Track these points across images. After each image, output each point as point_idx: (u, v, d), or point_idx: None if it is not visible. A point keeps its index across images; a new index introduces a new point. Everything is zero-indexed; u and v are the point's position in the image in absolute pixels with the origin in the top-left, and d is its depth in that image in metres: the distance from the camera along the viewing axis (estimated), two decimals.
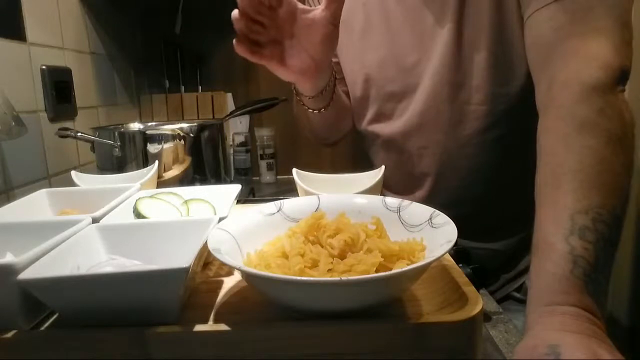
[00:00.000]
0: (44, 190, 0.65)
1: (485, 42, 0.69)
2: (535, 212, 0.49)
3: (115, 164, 0.95)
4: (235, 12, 0.64)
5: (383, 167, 0.70)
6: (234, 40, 0.65)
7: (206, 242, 0.42)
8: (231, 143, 1.47)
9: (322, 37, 0.68)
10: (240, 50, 0.65)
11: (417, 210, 0.48)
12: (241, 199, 1.01)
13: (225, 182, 1.02)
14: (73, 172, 0.75)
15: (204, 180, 0.98)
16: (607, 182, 0.47)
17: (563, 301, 0.41)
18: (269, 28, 0.66)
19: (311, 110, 0.86)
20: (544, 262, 0.44)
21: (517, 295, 0.80)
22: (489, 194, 0.77)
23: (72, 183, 0.73)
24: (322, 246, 0.44)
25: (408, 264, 0.40)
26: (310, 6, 0.83)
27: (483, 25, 0.69)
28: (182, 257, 0.38)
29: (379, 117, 0.85)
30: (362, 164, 1.11)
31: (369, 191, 0.63)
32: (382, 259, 0.40)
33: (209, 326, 0.38)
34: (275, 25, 0.67)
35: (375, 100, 0.84)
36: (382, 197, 0.52)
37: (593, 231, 0.44)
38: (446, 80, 0.73)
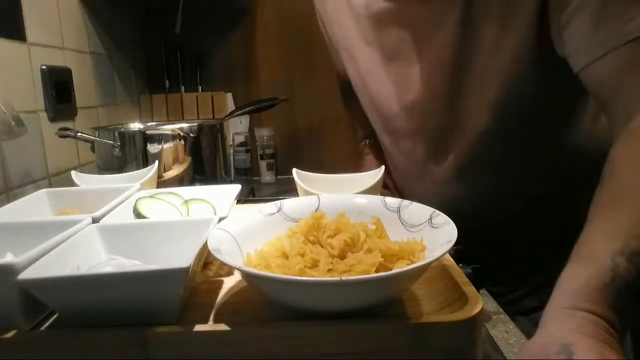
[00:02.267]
0: (44, 190, 0.65)
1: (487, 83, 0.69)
2: (586, 223, 0.48)
3: (115, 164, 0.95)
4: None
5: (383, 167, 0.70)
6: None
7: (206, 242, 0.42)
8: (231, 143, 1.47)
9: None
10: None
11: (417, 210, 0.48)
12: (241, 199, 1.01)
13: (225, 182, 1.02)
14: (73, 172, 0.75)
15: (204, 180, 0.98)
16: None
17: (586, 308, 0.40)
18: None
19: None
20: (580, 270, 0.44)
21: None
22: (508, 215, 0.77)
23: (72, 183, 0.73)
24: (322, 246, 0.44)
25: (408, 264, 0.40)
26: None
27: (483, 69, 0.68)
28: (182, 257, 0.38)
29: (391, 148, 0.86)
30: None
31: (369, 191, 0.63)
32: (382, 259, 0.40)
33: (209, 326, 0.38)
34: None
35: (382, 132, 0.86)
36: (382, 197, 0.52)
37: None
38: (442, 123, 0.74)
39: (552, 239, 0.76)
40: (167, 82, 1.52)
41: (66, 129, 0.92)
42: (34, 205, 0.62)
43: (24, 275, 0.37)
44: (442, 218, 0.45)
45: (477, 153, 0.74)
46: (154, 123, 1.14)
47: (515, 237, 0.79)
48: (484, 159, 0.74)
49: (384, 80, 0.79)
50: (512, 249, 0.80)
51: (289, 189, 1.25)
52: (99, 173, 0.96)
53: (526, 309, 0.80)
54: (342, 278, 0.35)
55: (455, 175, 0.77)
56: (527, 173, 0.74)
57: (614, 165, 0.51)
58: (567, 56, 0.60)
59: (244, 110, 1.08)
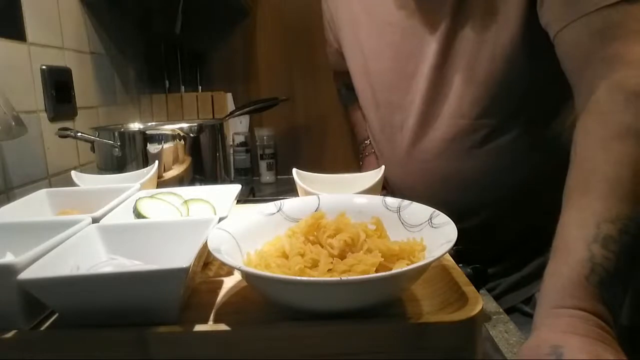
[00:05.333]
0: (44, 190, 0.65)
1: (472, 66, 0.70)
2: (561, 213, 0.48)
3: (115, 164, 0.95)
4: None
5: (383, 167, 0.70)
6: None
7: (206, 242, 0.42)
8: (231, 143, 1.47)
9: None
10: None
11: (417, 210, 0.48)
12: (241, 199, 1.01)
13: (225, 182, 1.02)
14: (73, 172, 0.75)
15: (204, 180, 0.98)
16: None
17: (573, 305, 0.41)
18: None
19: None
20: (560, 265, 0.44)
21: (526, 308, 0.78)
22: (489, 202, 0.77)
23: (72, 183, 0.73)
24: (322, 246, 0.44)
25: (408, 264, 0.40)
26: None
27: (476, 41, 0.69)
28: (182, 257, 0.38)
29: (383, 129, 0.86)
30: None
31: (369, 191, 0.63)
32: (382, 259, 0.40)
33: (209, 326, 0.38)
34: None
35: (377, 111, 0.86)
36: (382, 197, 0.52)
37: (617, 242, 0.43)
38: (432, 99, 0.75)
39: (530, 234, 0.76)
40: (167, 82, 1.52)
41: (66, 129, 0.92)
42: (34, 205, 0.62)
43: (24, 275, 0.37)
44: (442, 218, 0.45)
45: (461, 134, 0.74)
46: (154, 123, 1.14)
47: (497, 229, 0.79)
48: (467, 141, 0.74)
49: (383, 50, 0.80)
50: (495, 240, 0.80)
51: (289, 189, 1.25)
52: (99, 173, 0.96)
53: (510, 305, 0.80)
54: (342, 278, 0.35)
55: (438, 158, 0.77)
56: (508, 160, 0.74)
57: (577, 147, 0.51)
58: (545, 26, 0.61)
59: (243, 110, 1.08)
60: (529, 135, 0.73)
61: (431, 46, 0.72)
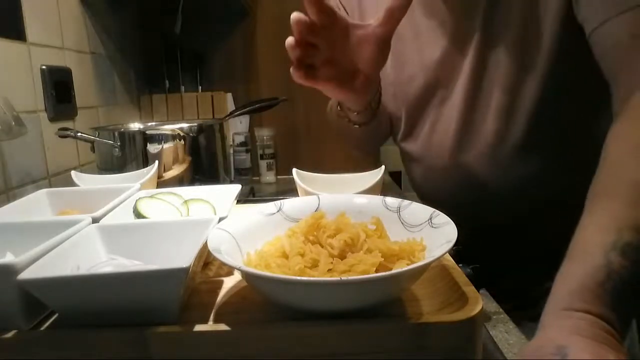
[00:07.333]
0: (44, 190, 0.65)
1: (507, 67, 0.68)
2: (582, 216, 0.47)
3: (115, 164, 0.95)
4: (290, 40, 0.60)
5: (383, 167, 0.70)
6: (291, 69, 0.61)
7: (206, 242, 0.42)
8: (231, 143, 1.47)
9: (374, 53, 0.65)
10: (298, 77, 0.62)
11: (417, 210, 0.48)
12: (241, 199, 1.01)
13: (225, 182, 1.02)
14: (73, 172, 0.75)
15: (204, 180, 0.98)
16: None
17: (582, 308, 0.40)
18: (323, 49, 0.63)
19: (357, 126, 0.83)
20: (575, 268, 0.43)
21: None
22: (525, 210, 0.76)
23: (72, 183, 0.73)
24: (322, 246, 0.44)
25: (408, 264, 0.40)
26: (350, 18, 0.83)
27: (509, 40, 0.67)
28: (182, 257, 0.38)
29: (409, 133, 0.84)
30: (362, 164, 1.11)
31: (369, 191, 0.63)
32: (382, 259, 0.40)
33: (209, 326, 0.38)
34: (328, 46, 0.63)
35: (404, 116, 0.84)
36: (382, 197, 0.52)
37: (636, 249, 0.42)
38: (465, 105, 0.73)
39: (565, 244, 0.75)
40: (167, 82, 1.53)
41: (66, 129, 0.92)
42: (34, 205, 0.62)
43: (24, 275, 0.37)
44: (442, 218, 0.45)
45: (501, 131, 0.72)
46: (154, 123, 1.14)
47: (533, 237, 0.78)
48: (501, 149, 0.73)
49: (414, 59, 0.79)
50: (532, 248, 0.79)
51: (289, 189, 1.25)
52: (99, 173, 0.96)
53: (537, 314, 0.79)
54: (342, 278, 0.35)
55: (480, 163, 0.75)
56: (546, 163, 0.73)
57: (607, 151, 0.50)
58: (582, 21, 0.59)
59: (243, 110, 1.08)
60: (561, 151, 0.71)
61: (464, 60, 0.71)
